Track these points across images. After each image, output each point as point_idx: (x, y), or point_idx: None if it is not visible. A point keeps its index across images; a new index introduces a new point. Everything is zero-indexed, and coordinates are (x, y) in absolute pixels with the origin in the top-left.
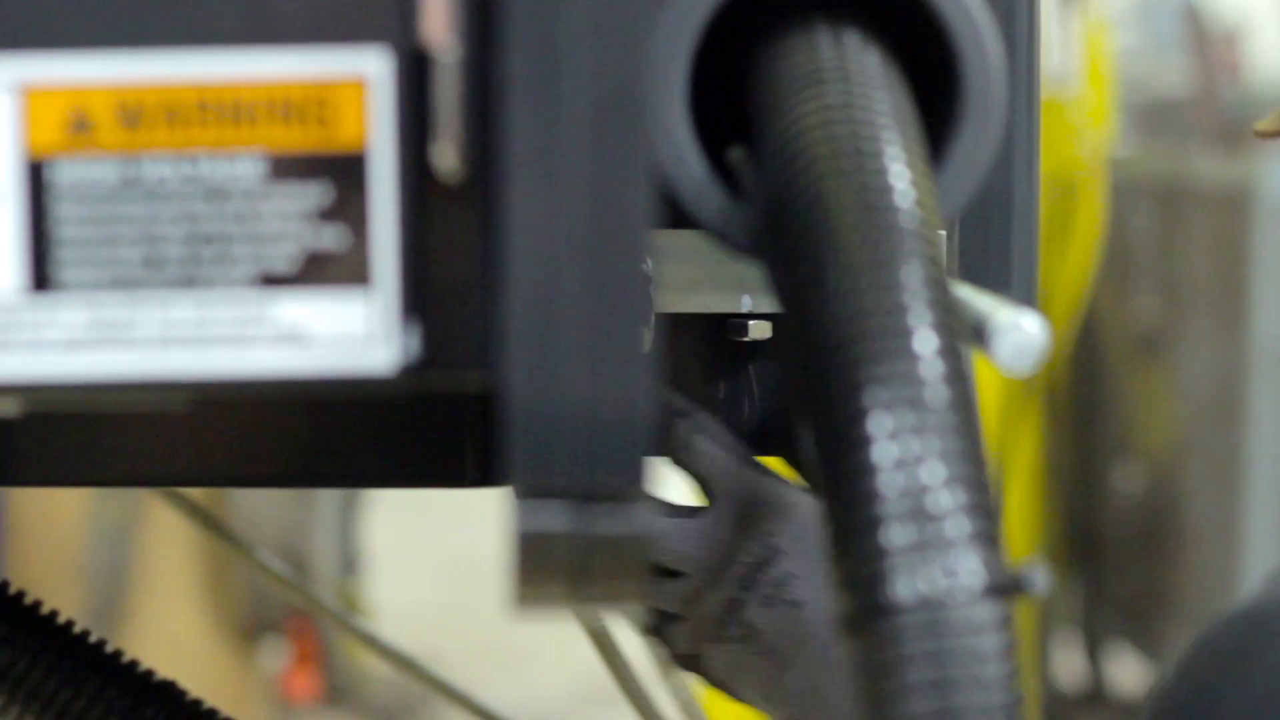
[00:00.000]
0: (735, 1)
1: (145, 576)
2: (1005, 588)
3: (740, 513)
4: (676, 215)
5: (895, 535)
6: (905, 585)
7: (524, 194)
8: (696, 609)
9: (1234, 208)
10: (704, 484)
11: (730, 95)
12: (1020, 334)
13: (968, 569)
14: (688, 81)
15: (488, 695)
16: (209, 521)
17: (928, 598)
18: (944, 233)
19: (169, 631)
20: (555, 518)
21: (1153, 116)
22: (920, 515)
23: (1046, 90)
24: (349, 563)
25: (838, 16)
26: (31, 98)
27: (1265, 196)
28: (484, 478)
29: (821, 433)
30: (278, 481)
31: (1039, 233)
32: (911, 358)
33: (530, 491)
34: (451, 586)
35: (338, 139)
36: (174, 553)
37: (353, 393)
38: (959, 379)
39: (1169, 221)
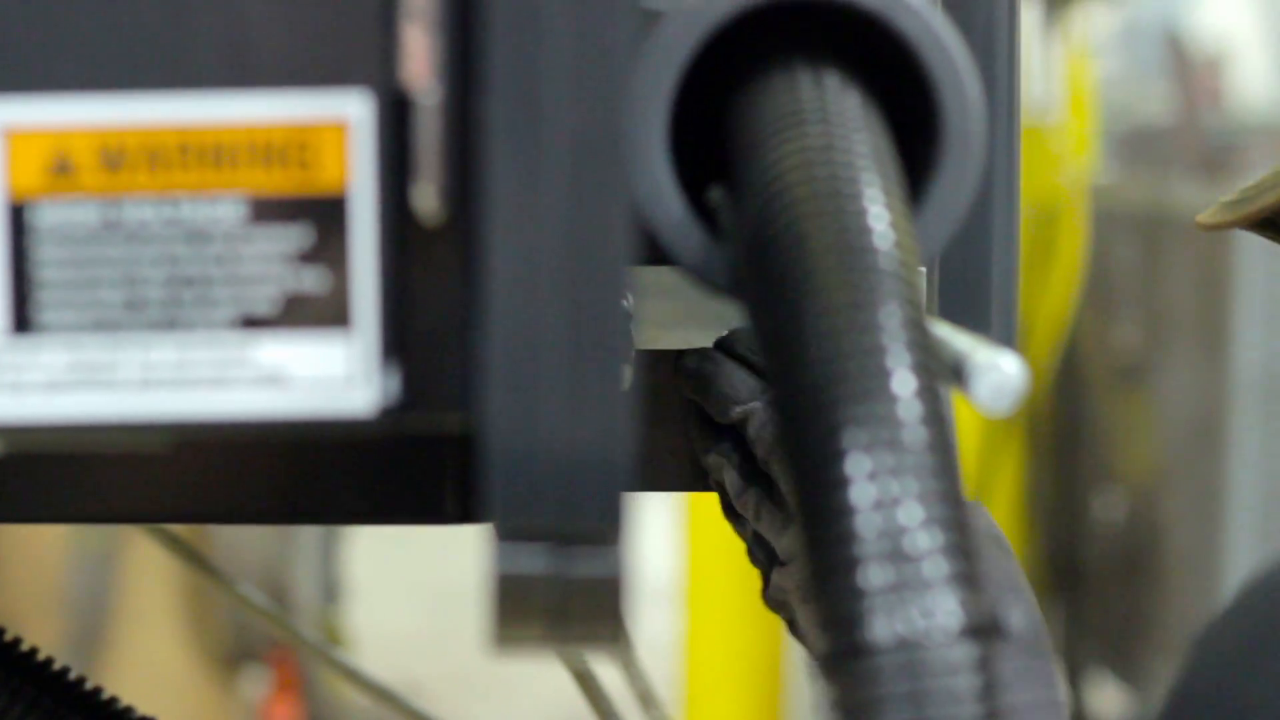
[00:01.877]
0: (715, 43)
1: (126, 605)
2: (983, 629)
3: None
4: (655, 252)
5: (873, 576)
6: (883, 626)
7: (504, 235)
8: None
9: (1216, 237)
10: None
11: (710, 135)
12: (998, 374)
13: (945, 610)
14: (667, 122)
15: None
16: (190, 554)
17: (905, 639)
18: (924, 273)
19: (149, 660)
20: (534, 560)
21: (1134, 144)
22: (898, 556)
23: (1027, 118)
24: (330, 592)
25: (818, 57)
26: (13, 140)
27: None
28: (464, 514)
29: (800, 473)
30: (257, 519)
31: (1019, 268)
32: (890, 399)
33: (509, 534)
34: (433, 616)
35: (319, 181)
36: (155, 582)
37: (333, 434)
38: (937, 420)
39: (1151, 250)
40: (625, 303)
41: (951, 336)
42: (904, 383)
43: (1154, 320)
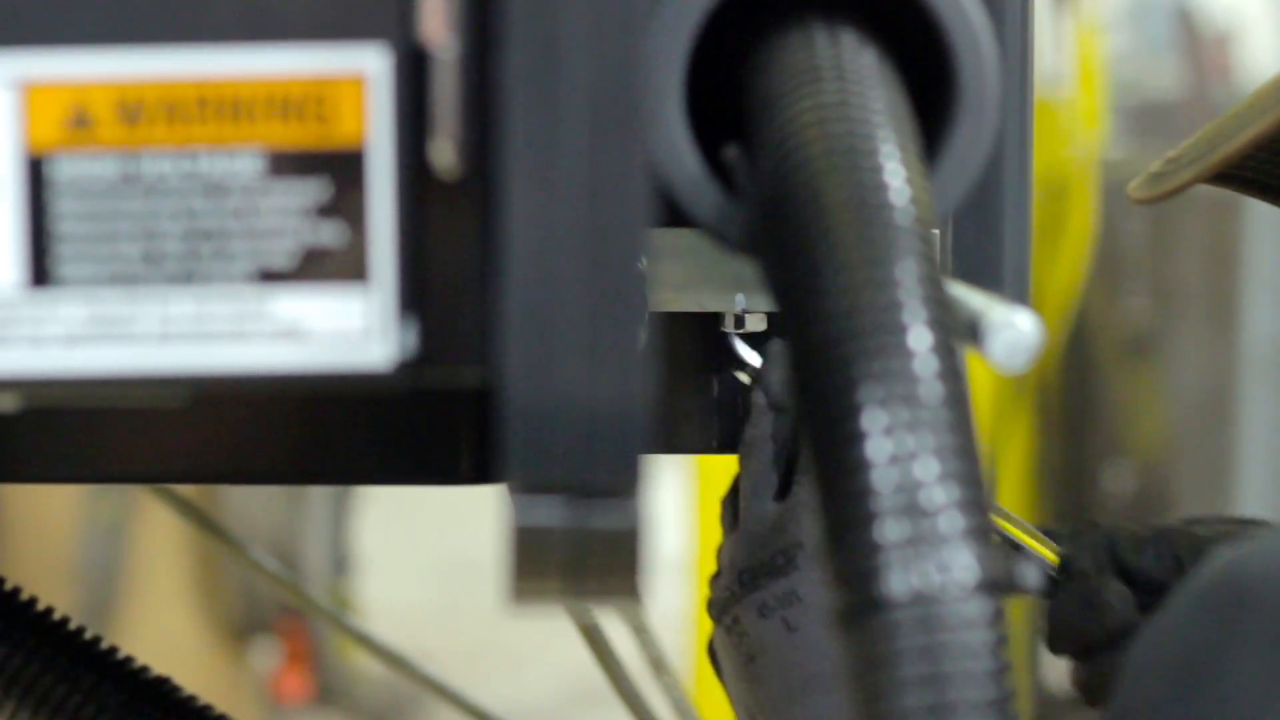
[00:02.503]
0: (731, 1)
1: (137, 575)
2: (998, 584)
3: (789, 514)
4: (672, 213)
5: (889, 531)
6: (899, 580)
7: (521, 191)
8: (721, 577)
9: (1224, 210)
10: (790, 471)
11: (726, 93)
12: (1014, 331)
13: (961, 564)
14: (684, 80)
15: (480, 695)
16: (201, 519)
17: (921, 593)
18: (938, 231)
19: (160, 630)
20: (551, 513)
21: (1144, 119)
22: (914, 511)
23: (1038, 92)
24: (340, 563)
25: (834, 15)
26: (31, 94)
27: (1255, 199)
28: (479, 475)
29: (816, 429)
30: (271, 478)
31: (1032, 231)
32: (906, 354)
33: (526, 487)
34: (443, 586)
35: (336, 135)
36: (165, 552)
37: (351, 388)
38: (953, 375)
39: (1160, 224)
40: (641, 263)
41: (966, 295)
42: (920, 338)
43: (1163, 294)
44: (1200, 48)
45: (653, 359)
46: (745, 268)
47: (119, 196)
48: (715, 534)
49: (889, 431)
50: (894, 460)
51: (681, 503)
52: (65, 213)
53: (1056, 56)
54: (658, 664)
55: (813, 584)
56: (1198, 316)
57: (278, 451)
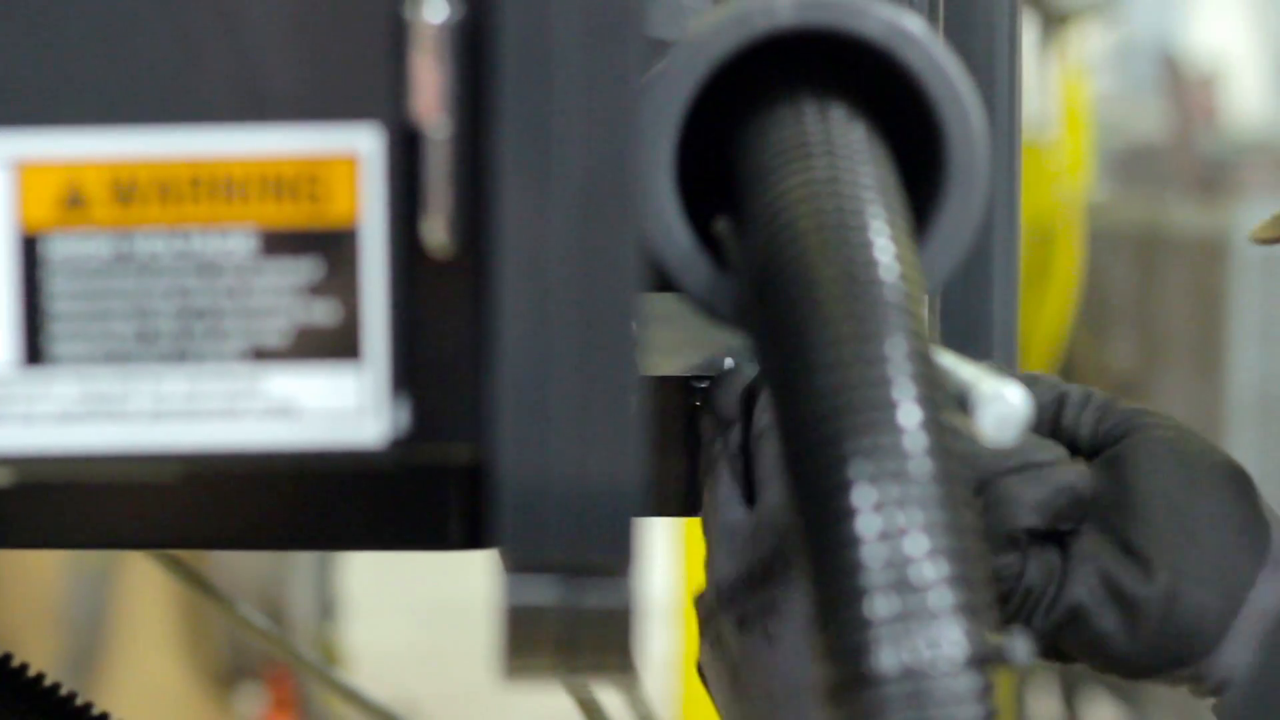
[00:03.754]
0: (723, 74)
1: (123, 623)
2: (988, 658)
3: (760, 523)
4: (661, 280)
5: (879, 606)
6: (889, 656)
7: (514, 267)
8: (705, 593)
9: (1211, 255)
10: (757, 485)
11: (715, 165)
12: (1003, 405)
13: (950, 640)
14: (674, 153)
15: None
16: (187, 573)
17: (911, 668)
18: (927, 304)
19: (147, 678)
20: (544, 592)
21: (1130, 162)
22: (904, 587)
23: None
24: (327, 608)
25: (824, 90)
26: (26, 173)
27: (1242, 244)
28: (469, 541)
29: (805, 504)
30: (259, 545)
31: (1019, 294)
32: (896, 431)
33: (518, 566)
34: (429, 632)
35: (329, 215)
36: (151, 599)
37: (343, 466)
38: (943, 452)
39: (1146, 268)
40: (634, 335)
41: (956, 365)
42: (909, 414)
43: (1149, 339)
44: (1186, 91)
45: (645, 430)
46: (734, 335)
47: (113, 275)
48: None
49: (879, 508)
50: (884, 536)
51: (668, 549)
52: (59, 291)
53: (1042, 99)
54: (645, 715)
55: (790, 594)
56: (1184, 361)
57: (268, 519)
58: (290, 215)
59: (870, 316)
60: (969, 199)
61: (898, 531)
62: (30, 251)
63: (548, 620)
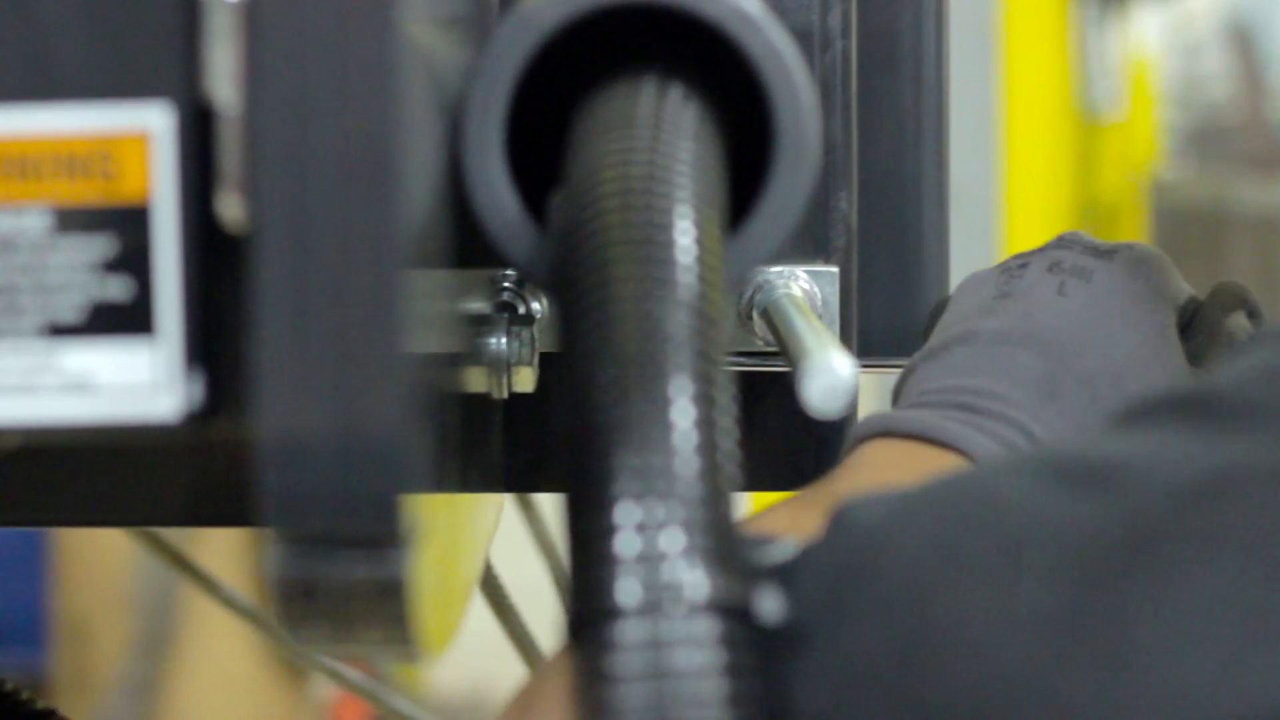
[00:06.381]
0: (570, 49)
1: (194, 607)
2: (731, 607)
3: None
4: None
5: (623, 547)
6: (629, 590)
7: (271, 237)
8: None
9: (1274, 231)
10: None
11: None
12: (830, 376)
13: (692, 582)
14: (504, 122)
15: None
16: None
17: (649, 604)
18: (723, 277)
19: (218, 663)
20: (310, 564)
21: (1197, 141)
22: (649, 530)
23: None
24: None
25: (673, 69)
26: None
27: None
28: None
29: (571, 475)
30: (74, 522)
31: (949, 259)
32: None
33: (286, 537)
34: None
35: (122, 192)
36: (223, 583)
37: (139, 440)
38: (710, 451)
39: (1213, 246)
40: (402, 306)
41: (805, 332)
42: (680, 388)
43: None
44: (1256, 69)
45: (421, 402)
46: None
47: None
48: None
49: (640, 497)
50: (641, 528)
51: None
52: None
53: (1108, 78)
54: None
55: None
56: None
57: (85, 497)
58: (84, 193)
59: (655, 285)
60: (798, 171)
61: (657, 525)
62: None
63: (319, 593)
